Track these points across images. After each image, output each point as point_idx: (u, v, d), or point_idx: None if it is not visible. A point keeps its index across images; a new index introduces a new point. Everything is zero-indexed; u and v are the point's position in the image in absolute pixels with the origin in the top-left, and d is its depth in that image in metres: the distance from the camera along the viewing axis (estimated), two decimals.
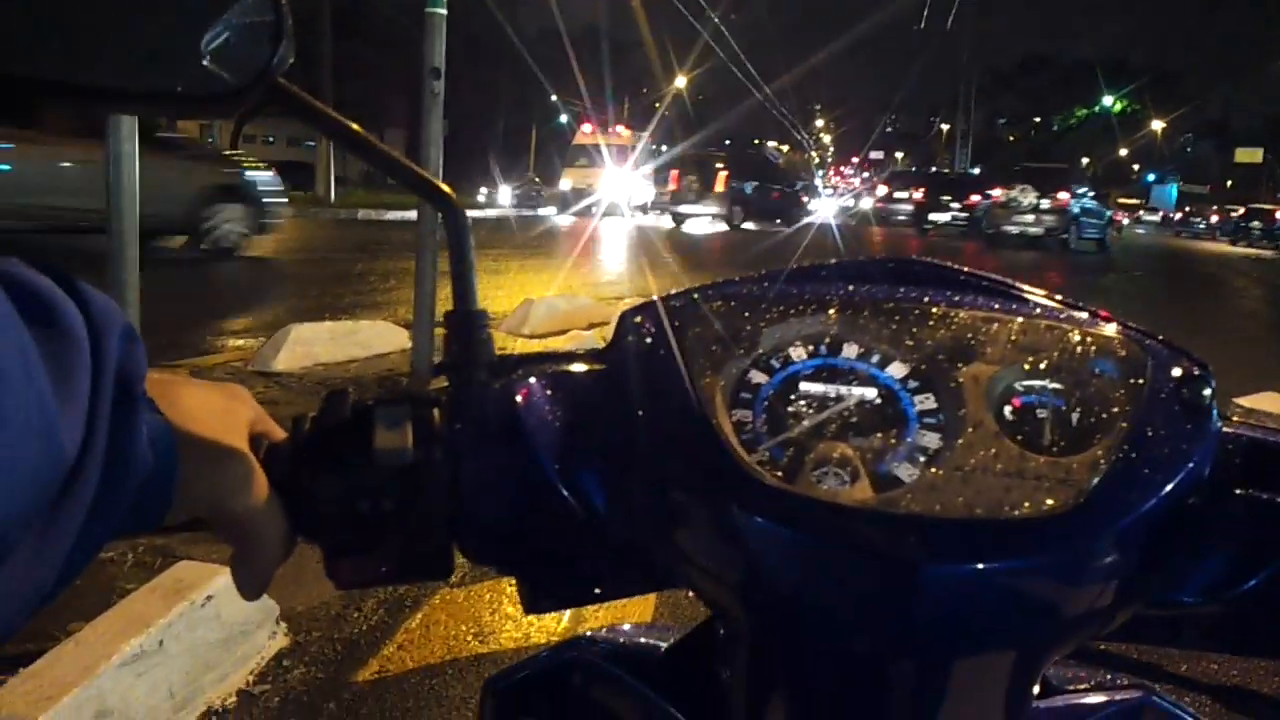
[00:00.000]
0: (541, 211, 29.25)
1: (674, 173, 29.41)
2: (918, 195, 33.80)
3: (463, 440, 0.60)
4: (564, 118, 54.37)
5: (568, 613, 2.93)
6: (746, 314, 0.64)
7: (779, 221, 29.78)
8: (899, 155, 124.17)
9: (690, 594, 0.61)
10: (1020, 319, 0.63)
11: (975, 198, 28.93)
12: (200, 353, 6.64)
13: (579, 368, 0.67)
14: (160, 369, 0.53)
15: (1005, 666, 0.55)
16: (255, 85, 0.55)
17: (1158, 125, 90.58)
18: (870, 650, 0.53)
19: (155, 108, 0.62)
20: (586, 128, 36.74)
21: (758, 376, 0.61)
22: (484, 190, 37.79)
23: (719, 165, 28.94)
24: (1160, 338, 0.62)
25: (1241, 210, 53.91)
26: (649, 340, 0.63)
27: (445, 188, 0.68)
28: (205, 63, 0.53)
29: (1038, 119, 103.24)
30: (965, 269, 0.69)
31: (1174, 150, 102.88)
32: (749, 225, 28.51)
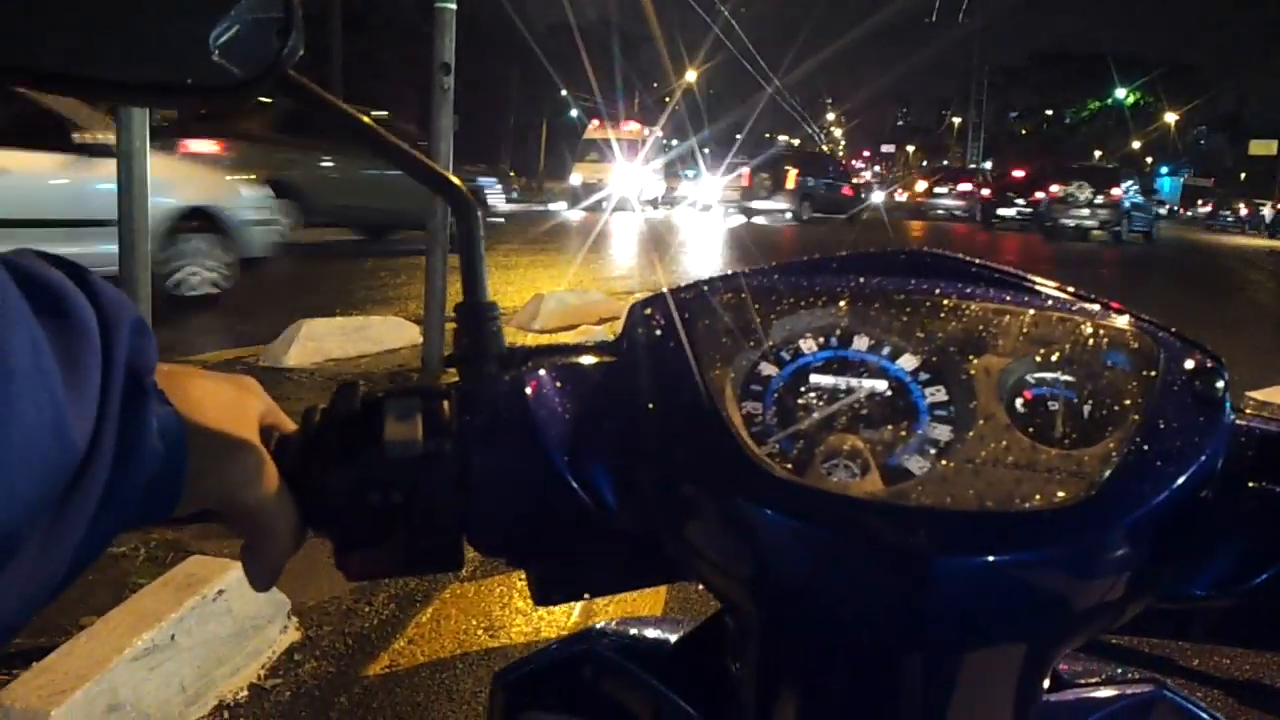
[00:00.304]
0: (552, 207, 29.49)
1: (746, 172, 31.74)
2: (985, 192, 36.77)
3: (473, 432, 0.60)
4: (574, 112, 54.38)
5: (578, 606, 2.94)
6: (757, 306, 0.64)
7: (841, 216, 31.78)
8: (910, 149, 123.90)
9: (700, 587, 0.61)
10: (1032, 311, 0.62)
11: (1040, 195, 30.55)
12: (211, 348, 6.66)
13: (589, 360, 0.66)
14: (170, 363, 0.53)
15: (1015, 659, 0.55)
16: (265, 77, 0.55)
17: (1171, 118, 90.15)
18: (880, 643, 0.52)
19: (166, 99, 0.62)
20: (595, 123, 36.85)
21: (768, 369, 0.61)
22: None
23: (788, 165, 31.37)
24: (1173, 330, 0.62)
25: (1268, 205, 55.24)
26: (659, 332, 0.63)
27: (455, 180, 0.68)
28: (215, 57, 0.53)
29: (1049, 112, 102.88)
30: (977, 260, 0.68)
31: (1187, 143, 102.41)
32: (810, 217, 30.49)
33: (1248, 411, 0.62)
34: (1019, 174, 36.50)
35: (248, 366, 5.97)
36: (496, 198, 12.21)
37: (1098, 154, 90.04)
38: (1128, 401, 0.56)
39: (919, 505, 0.51)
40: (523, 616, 3.07)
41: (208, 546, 2.96)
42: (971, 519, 0.50)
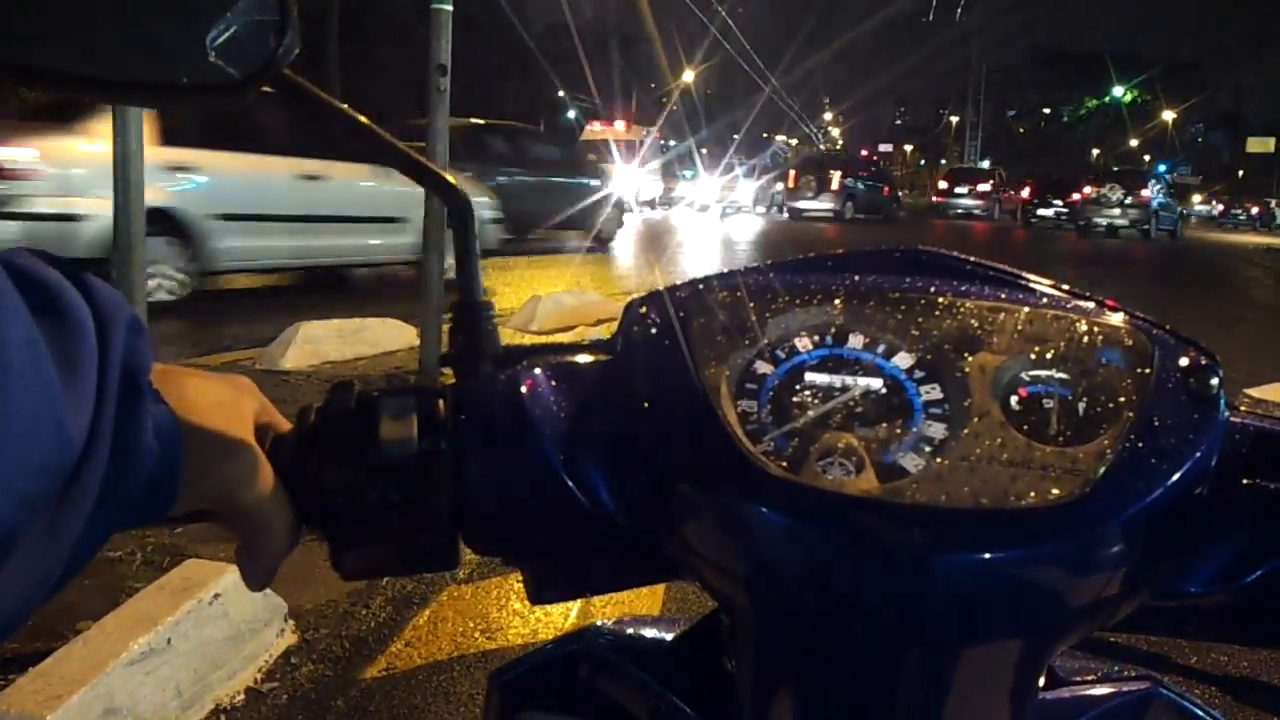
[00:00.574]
0: None
1: (792, 172, 34.01)
2: (1023, 193, 39.23)
3: (468, 431, 0.60)
4: (571, 113, 54.46)
5: (575, 607, 2.94)
6: (752, 304, 0.64)
7: (879, 215, 34.14)
8: (908, 148, 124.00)
9: (697, 584, 0.61)
10: (1026, 309, 0.62)
11: (1076, 195, 33.35)
12: (208, 351, 6.66)
13: (584, 358, 0.66)
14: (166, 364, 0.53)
15: (1011, 657, 0.55)
16: (261, 76, 0.55)
17: (1169, 116, 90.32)
18: (876, 640, 0.52)
19: (164, 99, 0.62)
20: (596, 125, 37.08)
21: (763, 367, 0.61)
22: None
23: (833, 167, 33.52)
24: (1167, 327, 0.62)
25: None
26: (654, 331, 0.63)
27: (451, 179, 0.68)
28: (212, 57, 0.53)
29: (1047, 110, 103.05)
30: (971, 258, 0.68)
31: (1185, 141, 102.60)
32: (853, 217, 32.63)
33: (1242, 409, 0.62)
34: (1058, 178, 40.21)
35: (244, 370, 5.97)
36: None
37: (1095, 152, 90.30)
38: (1122, 399, 0.56)
39: (914, 503, 0.51)
40: (520, 618, 3.06)
41: (203, 550, 2.96)
42: (966, 516, 0.50)
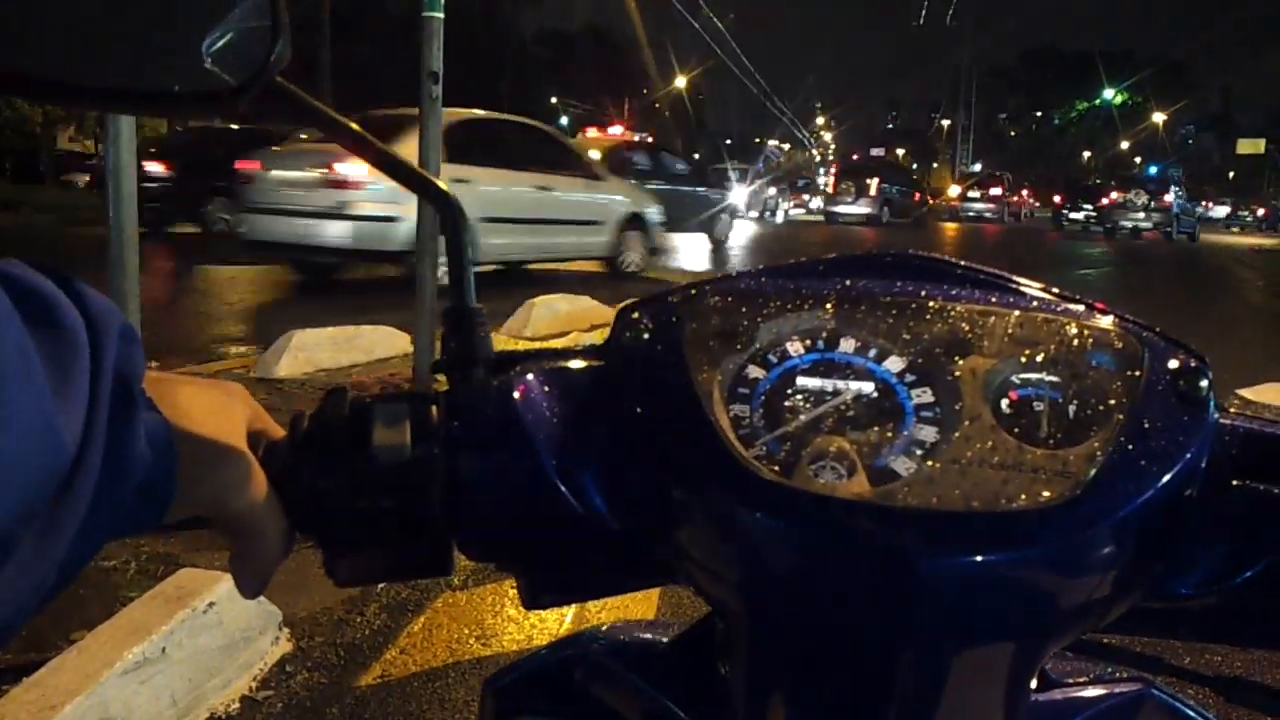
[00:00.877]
0: None
1: (832, 179, 36.61)
2: (1056, 199, 43.43)
3: (461, 437, 0.60)
4: (564, 120, 54.46)
5: (570, 612, 2.93)
6: (744, 309, 0.64)
7: (910, 219, 36.67)
8: (900, 152, 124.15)
9: (691, 589, 0.61)
10: (1017, 312, 0.62)
11: (1104, 201, 36.54)
12: (202, 360, 6.65)
13: (577, 364, 0.66)
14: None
15: (1004, 659, 0.55)
16: (253, 84, 0.55)
17: (1159, 118, 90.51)
18: (868, 644, 0.52)
19: (156, 108, 0.61)
20: (591, 132, 37.19)
21: (755, 371, 0.61)
22: None
23: (871, 175, 35.85)
24: (1157, 329, 0.62)
25: None
26: (646, 336, 0.63)
27: (443, 185, 0.68)
28: (208, 64, 0.53)
29: (1039, 113, 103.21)
30: (962, 262, 0.68)
31: (1175, 143, 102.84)
32: (888, 221, 34.98)
33: (1232, 410, 0.62)
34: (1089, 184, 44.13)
35: (238, 377, 5.96)
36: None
37: (1086, 155, 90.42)
38: (1112, 401, 0.56)
39: (905, 506, 0.51)
40: (515, 624, 3.06)
41: (198, 559, 2.95)
42: (958, 519, 0.50)
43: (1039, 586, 0.52)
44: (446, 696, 2.66)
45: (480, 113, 11.58)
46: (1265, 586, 0.57)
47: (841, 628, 0.53)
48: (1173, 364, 0.58)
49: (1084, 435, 0.55)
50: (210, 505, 0.54)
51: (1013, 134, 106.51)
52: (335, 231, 9.87)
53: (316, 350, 6.29)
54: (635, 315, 0.65)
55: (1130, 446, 0.53)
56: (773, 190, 37.32)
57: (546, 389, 0.63)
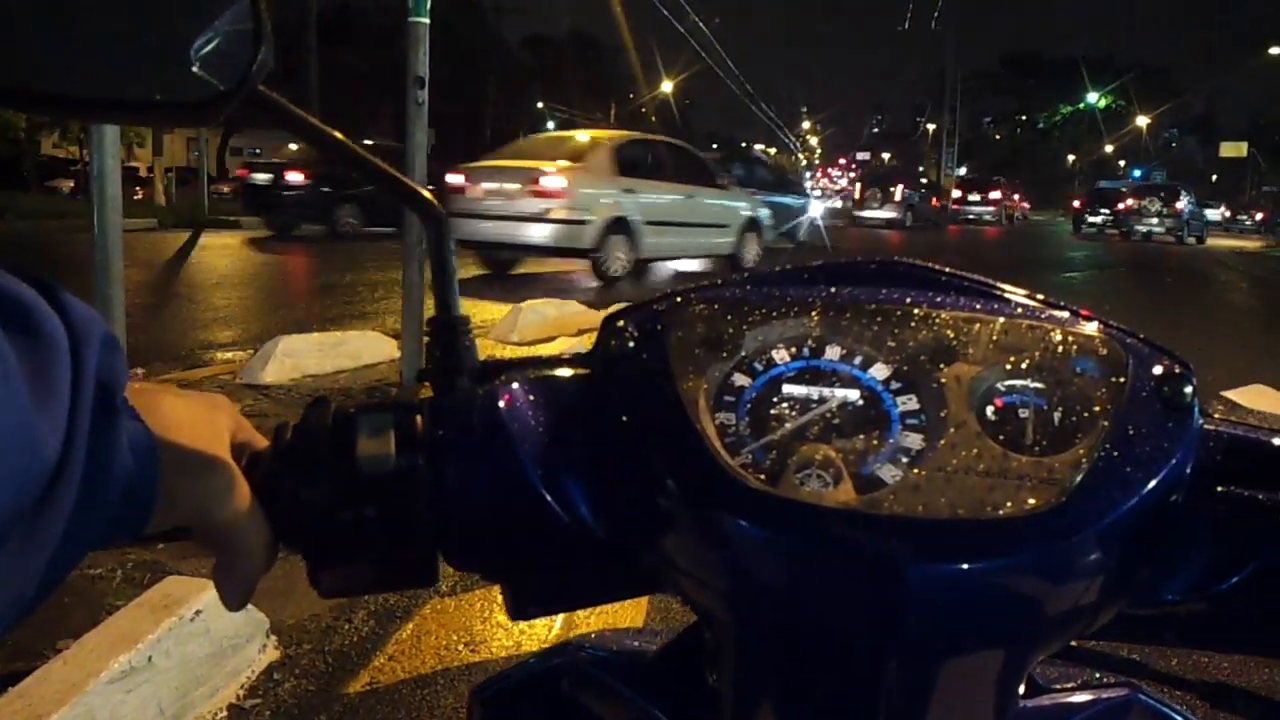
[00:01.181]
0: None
1: (859, 185, 38.88)
2: (1076, 204, 45.70)
3: (446, 447, 0.60)
4: (551, 124, 54.45)
5: (559, 620, 2.93)
6: (729, 317, 0.64)
7: (930, 223, 38.31)
8: (885, 155, 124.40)
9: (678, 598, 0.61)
10: (1002, 319, 0.63)
11: (1120, 206, 39.19)
12: (189, 366, 6.62)
13: (563, 372, 0.66)
14: (145, 381, 0.53)
15: (992, 666, 0.55)
16: (235, 93, 0.55)
17: (1142, 121, 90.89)
18: (855, 652, 0.52)
19: (138, 116, 0.61)
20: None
21: (741, 379, 0.61)
22: None
23: (895, 182, 37.68)
24: (1141, 336, 0.62)
25: None
26: (632, 344, 0.63)
27: (427, 194, 0.67)
28: (195, 68, 0.52)
29: (1023, 117, 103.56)
30: (947, 269, 0.68)
31: (1159, 146, 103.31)
32: (910, 225, 36.31)
33: (1216, 415, 0.63)
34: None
35: (225, 383, 5.93)
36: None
37: (1071, 158, 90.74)
38: (1097, 408, 0.56)
39: (892, 514, 0.51)
40: (504, 631, 3.05)
41: (184, 566, 2.94)
42: (944, 527, 0.51)
43: (1026, 593, 0.52)
44: (435, 704, 2.65)
45: (641, 135, 14.86)
46: (1251, 592, 0.57)
47: (828, 636, 0.53)
48: (1157, 370, 0.59)
49: (1069, 442, 0.55)
50: (193, 516, 0.54)
51: (997, 137, 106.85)
52: (536, 233, 12.13)
53: (303, 356, 6.27)
54: (621, 323, 0.65)
55: (1115, 453, 0.53)
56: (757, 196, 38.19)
57: (532, 398, 0.63)
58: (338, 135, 0.64)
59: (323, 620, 3.05)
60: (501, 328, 7.98)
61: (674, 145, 15.17)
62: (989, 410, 0.58)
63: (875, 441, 0.57)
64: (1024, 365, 0.59)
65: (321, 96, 27.21)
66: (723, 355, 0.62)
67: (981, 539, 0.50)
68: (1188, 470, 0.56)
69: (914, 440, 0.56)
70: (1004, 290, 0.67)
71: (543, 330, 7.97)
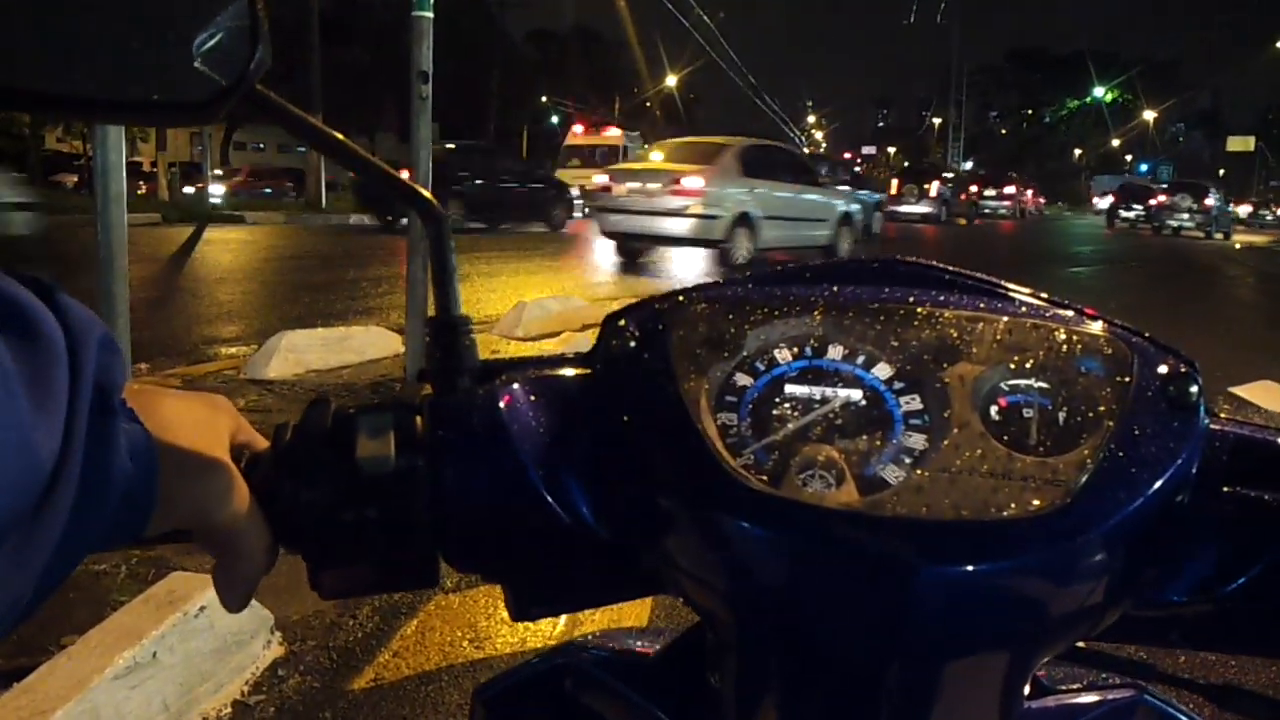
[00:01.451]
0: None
1: (895, 181, 39.68)
2: (1110, 199, 48.24)
3: (446, 448, 0.59)
4: (554, 119, 54.46)
5: (564, 617, 2.92)
6: (731, 316, 0.64)
7: (962, 218, 39.86)
8: (891, 150, 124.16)
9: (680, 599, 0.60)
10: (1006, 318, 0.62)
11: (1152, 202, 41.80)
12: (193, 361, 6.63)
13: (564, 372, 0.66)
14: (148, 378, 0.53)
15: (996, 668, 0.54)
16: (232, 92, 0.54)
17: (1149, 115, 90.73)
18: (858, 654, 0.52)
19: (136, 116, 0.61)
20: (578, 129, 37.30)
21: (743, 379, 0.61)
22: None
23: (930, 178, 39.11)
24: (1146, 335, 0.61)
25: None
26: (633, 344, 0.63)
27: (425, 193, 0.67)
28: (197, 64, 0.52)
29: (1029, 111, 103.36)
30: (951, 268, 0.68)
31: (1165, 141, 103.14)
32: (945, 219, 37.92)
33: (1222, 414, 0.62)
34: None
35: (229, 379, 5.94)
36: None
37: (1078, 152, 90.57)
38: (1102, 408, 0.56)
39: (895, 515, 0.51)
40: (508, 627, 3.05)
41: (188, 562, 2.94)
42: (947, 528, 0.50)
43: (1030, 595, 0.51)
44: (440, 700, 2.65)
45: (759, 140, 16.75)
46: (1257, 593, 0.57)
47: (831, 637, 0.52)
48: (1162, 369, 0.58)
49: (1074, 442, 0.55)
50: (192, 518, 0.53)
51: (1003, 132, 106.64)
52: (676, 226, 14.14)
53: (307, 351, 6.27)
54: (622, 323, 0.65)
55: (1120, 453, 0.53)
56: None
57: (532, 398, 0.62)
58: (334, 133, 0.64)
59: (327, 616, 3.05)
60: (506, 323, 7.98)
61: (785, 149, 18.01)
62: (993, 410, 0.58)
63: (878, 442, 0.56)
64: (1028, 365, 0.59)
65: (325, 92, 27.18)
66: (725, 355, 0.62)
67: (985, 540, 0.50)
68: (1193, 470, 0.55)
69: (917, 440, 0.56)
70: (1008, 289, 0.66)
71: (547, 325, 7.97)
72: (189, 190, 27.41)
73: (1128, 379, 0.57)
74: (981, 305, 0.64)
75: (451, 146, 22.16)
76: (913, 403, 0.58)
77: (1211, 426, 0.60)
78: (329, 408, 0.60)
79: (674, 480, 0.55)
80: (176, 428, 0.52)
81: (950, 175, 44.40)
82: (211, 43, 0.52)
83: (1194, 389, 0.57)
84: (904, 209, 36.84)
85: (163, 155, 27.92)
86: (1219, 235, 39.39)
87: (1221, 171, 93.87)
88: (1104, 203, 69.13)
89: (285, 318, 8.28)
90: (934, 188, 37.86)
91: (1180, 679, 0.72)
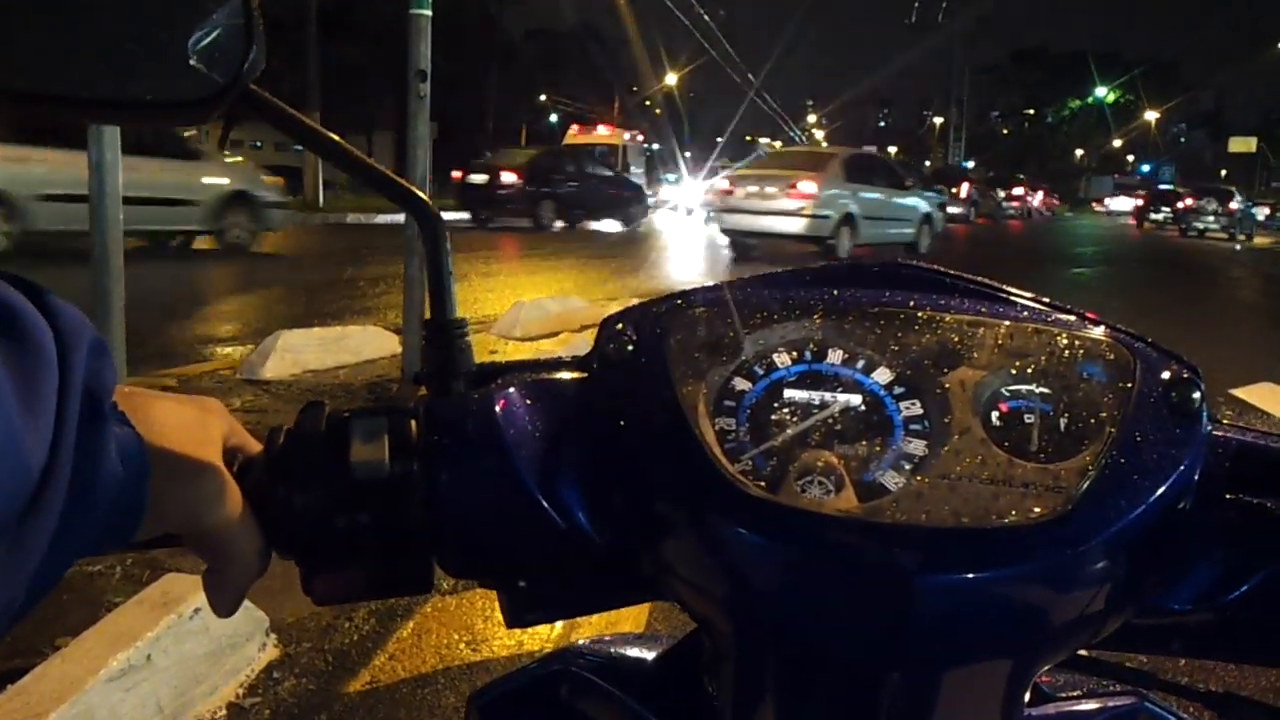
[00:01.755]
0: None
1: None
2: (1138, 203, 50.57)
3: (440, 452, 0.59)
4: (553, 118, 54.56)
5: (561, 621, 2.92)
6: (730, 320, 0.63)
7: (990, 217, 42.16)
8: (892, 150, 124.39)
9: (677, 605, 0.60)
10: (1007, 323, 0.62)
11: (1180, 205, 43.25)
12: (188, 361, 6.63)
13: (560, 376, 0.65)
14: (145, 378, 0.52)
15: (996, 676, 0.54)
16: (227, 92, 0.54)
17: (1151, 116, 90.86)
18: (856, 661, 0.52)
19: (134, 115, 0.61)
20: (576, 128, 37.46)
21: (741, 383, 0.60)
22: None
23: (962, 180, 41.51)
24: (1149, 340, 0.61)
25: None
26: (630, 347, 0.62)
27: (421, 194, 0.66)
28: (193, 62, 0.52)
29: (1031, 111, 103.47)
30: (951, 272, 0.67)
31: (1168, 141, 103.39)
32: (974, 219, 40.08)
33: (1224, 421, 0.62)
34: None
35: (225, 379, 5.93)
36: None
37: (1079, 153, 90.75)
38: (1104, 414, 0.56)
39: (894, 522, 0.51)
40: (505, 630, 3.03)
41: (183, 564, 2.94)
42: (948, 536, 0.50)
43: (1031, 603, 0.51)
44: (436, 703, 2.65)
45: (859, 149, 19.24)
46: (1259, 601, 0.57)
47: (829, 644, 0.52)
48: (1164, 375, 0.58)
49: (1075, 449, 0.54)
50: (183, 522, 0.53)
51: (1005, 132, 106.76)
52: (790, 225, 16.45)
53: (304, 351, 6.27)
54: (619, 326, 0.64)
55: (1122, 460, 0.53)
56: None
57: (528, 402, 0.62)
58: (328, 134, 0.64)
59: (323, 619, 3.04)
60: (504, 323, 7.98)
61: (878, 156, 21.24)
62: (994, 416, 0.57)
63: (878, 448, 0.56)
64: (1029, 370, 0.59)
65: (322, 90, 27.16)
66: (723, 359, 0.61)
67: (986, 548, 0.49)
68: (1196, 477, 0.55)
69: (917, 446, 0.56)
70: (1009, 293, 0.66)
71: (545, 326, 7.97)
72: None
73: (1130, 385, 0.57)
74: (983, 310, 0.64)
75: (540, 151, 25.05)
76: (913, 408, 0.58)
77: (1214, 433, 0.59)
78: (323, 411, 0.60)
79: (671, 485, 0.55)
80: (168, 431, 0.52)
81: (975, 179, 46.27)
82: (207, 41, 0.53)
83: (1196, 395, 0.57)
84: None
85: None
86: (1242, 237, 41.02)
87: (1223, 172, 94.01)
88: (1114, 204, 70.67)
89: (282, 317, 8.28)
90: (963, 190, 40.07)
91: (1181, 686, 0.71)
